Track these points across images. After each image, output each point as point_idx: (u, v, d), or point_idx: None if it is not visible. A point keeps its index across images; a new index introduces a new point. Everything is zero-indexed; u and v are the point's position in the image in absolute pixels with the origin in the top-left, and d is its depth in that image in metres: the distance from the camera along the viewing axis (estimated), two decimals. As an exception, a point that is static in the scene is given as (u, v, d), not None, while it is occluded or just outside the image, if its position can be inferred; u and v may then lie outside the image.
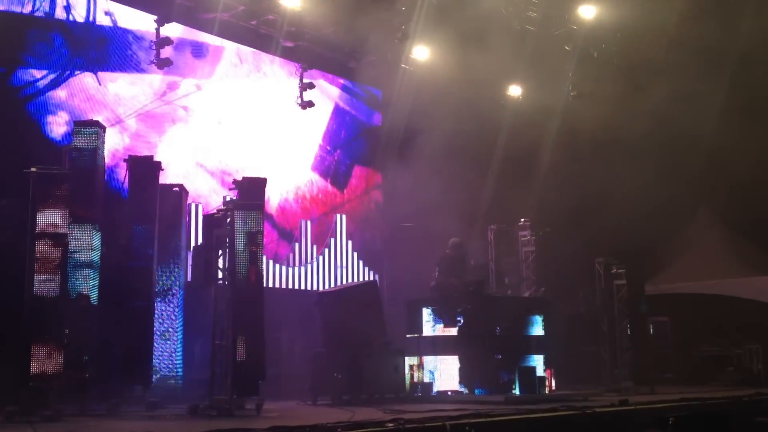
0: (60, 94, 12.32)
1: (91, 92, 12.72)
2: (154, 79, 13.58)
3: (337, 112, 16.72)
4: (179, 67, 13.74)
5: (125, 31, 13.28)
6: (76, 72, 12.55)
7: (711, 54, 15.71)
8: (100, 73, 12.85)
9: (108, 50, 13.04)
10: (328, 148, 16.44)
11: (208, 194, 13.83)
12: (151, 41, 13.30)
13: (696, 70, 15.71)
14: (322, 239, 15.83)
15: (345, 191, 16.73)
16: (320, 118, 16.17)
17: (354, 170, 17.01)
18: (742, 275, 17.33)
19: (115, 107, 12.99)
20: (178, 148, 13.75)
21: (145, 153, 13.00)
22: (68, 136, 11.88)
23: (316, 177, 16.15)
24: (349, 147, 16.95)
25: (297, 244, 15.31)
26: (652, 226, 16.91)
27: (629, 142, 16.38)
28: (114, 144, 12.45)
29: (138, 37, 13.38)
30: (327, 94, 16.49)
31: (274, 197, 14.82)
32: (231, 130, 14.59)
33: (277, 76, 15.62)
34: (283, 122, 15.48)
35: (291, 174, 15.60)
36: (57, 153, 11.74)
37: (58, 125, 12.20)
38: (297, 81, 15.37)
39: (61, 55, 12.41)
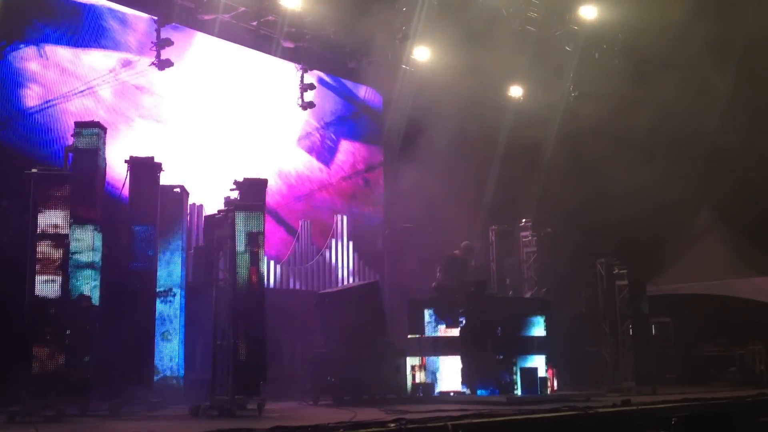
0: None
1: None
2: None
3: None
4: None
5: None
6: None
7: (714, 52, 15.70)
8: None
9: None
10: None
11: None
12: (152, 41, 13.31)
13: (699, 68, 15.69)
14: (322, 239, 15.82)
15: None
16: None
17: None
18: (745, 275, 17.30)
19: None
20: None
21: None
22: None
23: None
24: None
25: (297, 244, 15.30)
26: (655, 226, 16.88)
27: (631, 143, 16.36)
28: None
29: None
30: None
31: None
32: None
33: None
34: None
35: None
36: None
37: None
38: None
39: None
